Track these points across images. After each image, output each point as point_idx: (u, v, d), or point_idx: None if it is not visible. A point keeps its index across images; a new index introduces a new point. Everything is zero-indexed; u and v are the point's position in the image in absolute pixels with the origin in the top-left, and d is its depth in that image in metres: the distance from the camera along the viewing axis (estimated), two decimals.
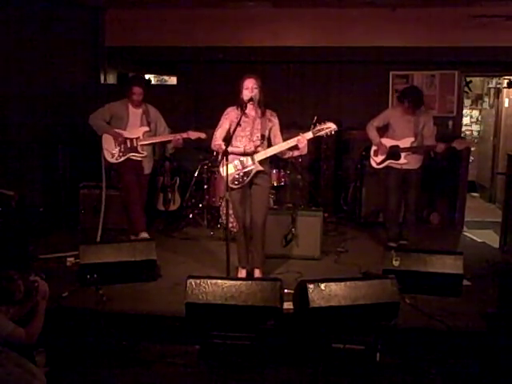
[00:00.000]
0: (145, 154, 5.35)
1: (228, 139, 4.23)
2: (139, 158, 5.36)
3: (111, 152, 5.31)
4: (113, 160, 5.34)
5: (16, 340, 2.96)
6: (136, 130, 5.34)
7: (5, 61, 5.58)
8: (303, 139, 4.20)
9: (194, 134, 5.27)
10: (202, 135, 5.23)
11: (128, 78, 7.67)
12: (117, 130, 5.30)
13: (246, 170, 4.32)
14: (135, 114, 5.36)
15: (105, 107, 5.36)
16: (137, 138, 5.30)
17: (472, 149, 7.91)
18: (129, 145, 5.30)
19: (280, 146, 4.31)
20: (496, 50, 6.71)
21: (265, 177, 4.43)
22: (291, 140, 4.26)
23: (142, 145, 5.32)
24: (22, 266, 4.67)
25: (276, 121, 4.42)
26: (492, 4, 6.47)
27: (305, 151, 4.33)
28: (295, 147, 4.29)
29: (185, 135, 5.27)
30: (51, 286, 3.49)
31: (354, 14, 6.85)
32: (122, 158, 5.32)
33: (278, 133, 4.43)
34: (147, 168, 5.48)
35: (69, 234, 5.99)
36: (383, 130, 5.45)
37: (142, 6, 7.02)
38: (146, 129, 5.37)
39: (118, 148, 5.28)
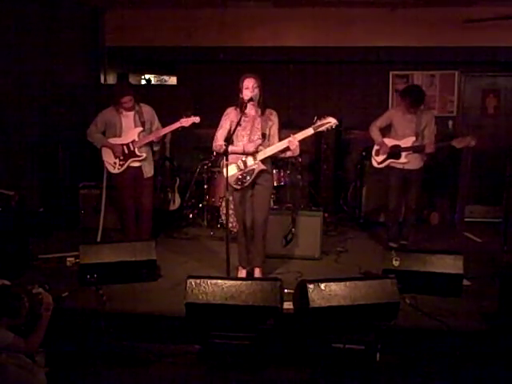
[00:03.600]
0: (144, 155, 5.22)
1: (229, 139, 4.23)
2: (139, 163, 5.24)
3: (111, 163, 5.24)
4: (114, 171, 5.25)
5: (15, 350, 3.00)
6: (131, 133, 5.20)
7: (5, 61, 5.57)
8: (294, 140, 4.20)
9: (187, 121, 5.04)
10: (196, 119, 5.04)
11: (113, 87, 7.40)
12: (112, 142, 5.20)
13: (248, 169, 4.32)
14: (128, 117, 5.23)
15: (97, 117, 5.27)
16: (133, 142, 5.19)
17: None
18: (126, 151, 5.20)
19: (276, 147, 4.31)
20: (496, 50, 6.72)
21: (267, 176, 4.43)
22: (282, 142, 4.27)
23: (139, 147, 5.20)
24: (21, 266, 4.70)
25: (276, 120, 4.41)
26: (491, 4, 6.47)
27: (297, 152, 4.33)
28: (287, 148, 4.28)
29: (178, 125, 5.06)
30: (51, 285, 3.50)
31: (353, 13, 6.85)
32: (124, 167, 5.22)
33: (276, 132, 4.42)
34: (148, 172, 5.33)
35: (69, 234, 5.99)
36: (386, 131, 5.47)
37: (142, 6, 7.02)
38: (140, 129, 5.21)
39: (118, 158, 5.20)
